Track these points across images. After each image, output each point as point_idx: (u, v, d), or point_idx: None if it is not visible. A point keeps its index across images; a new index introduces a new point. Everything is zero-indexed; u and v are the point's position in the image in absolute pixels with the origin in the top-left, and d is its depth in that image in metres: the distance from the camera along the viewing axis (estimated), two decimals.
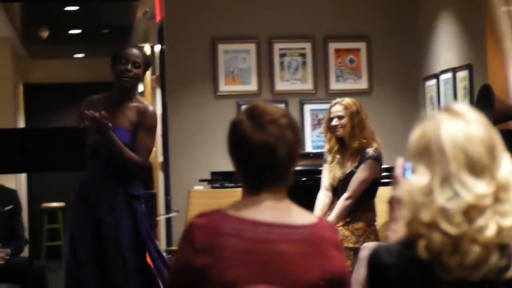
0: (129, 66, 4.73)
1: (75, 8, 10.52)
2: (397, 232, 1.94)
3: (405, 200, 1.87)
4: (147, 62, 4.84)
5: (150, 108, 4.83)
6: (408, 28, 7.63)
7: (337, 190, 5.40)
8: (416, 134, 1.90)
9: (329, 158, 5.44)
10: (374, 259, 1.89)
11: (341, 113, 5.37)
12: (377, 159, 5.33)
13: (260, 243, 2.31)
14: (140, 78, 4.81)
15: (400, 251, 1.86)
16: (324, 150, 5.54)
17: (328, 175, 5.43)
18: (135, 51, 4.78)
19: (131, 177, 4.75)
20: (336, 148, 5.41)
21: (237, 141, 2.40)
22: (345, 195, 5.30)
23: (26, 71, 14.28)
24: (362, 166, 5.30)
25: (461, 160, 1.84)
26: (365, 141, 5.34)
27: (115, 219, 4.64)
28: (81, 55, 14.31)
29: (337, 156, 5.40)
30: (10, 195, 6.39)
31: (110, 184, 4.68)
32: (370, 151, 5.32)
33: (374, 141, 5.38)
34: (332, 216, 5.27)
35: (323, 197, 5.43)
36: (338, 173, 5.38)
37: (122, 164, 4.66)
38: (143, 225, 4.70)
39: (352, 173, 5.33)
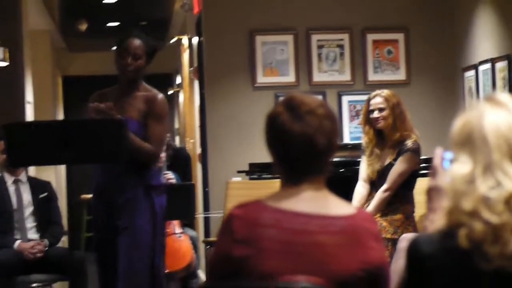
0: (129, 60, 4.65)
1: (113, 1, 10.58)
2: (436, 222, 1.93)
3: (446, 188, 1.86)
4: (151, 49, 4.72)
5: (159, 96, 4.71)
6: (446, 19, 7.57)
7: (375, 182, 5.38)
8: (458, 123, 1.90)
9: (367, 151, 5.42)
10: (413, 249, 1.88)
11: (382, 105, 5.33)
12: (416, 151, 5.30)
13: (299, 234, 2.31)
14: (144, 67, 4.70)
15: (440, 240, 1.85)
16: (362, 142, 5.52)
17: (366, 167, 5.41)
18: (134, 42, 4.70)
19: (149, 167, 4.66)
20: (374, 141, 5.38)
21: (276, 132, 2.40)
22: (384, 187, 5.28)
23: (65, 63, 14.39)
24: (400, 158, 5.28)
25: (503, 149, 1.83)
26: (406, 133, 5.31)
27: (133, 214, 4.57)
28: None
29: (376, 149, 5.37)
30: (43, 185, 6.49)
31: (128, 175, 4.60)
32: (408, 143, 5.29)
33: (413, 133, 5.35)
34: (370, 208, 5.26)
35: (361, 188, 5.41)
36: (377, 166, 5.36)
37: (135, 154, 4.54)
38: (158, 224, 4.63)
39: (390, 165, 5.31)
